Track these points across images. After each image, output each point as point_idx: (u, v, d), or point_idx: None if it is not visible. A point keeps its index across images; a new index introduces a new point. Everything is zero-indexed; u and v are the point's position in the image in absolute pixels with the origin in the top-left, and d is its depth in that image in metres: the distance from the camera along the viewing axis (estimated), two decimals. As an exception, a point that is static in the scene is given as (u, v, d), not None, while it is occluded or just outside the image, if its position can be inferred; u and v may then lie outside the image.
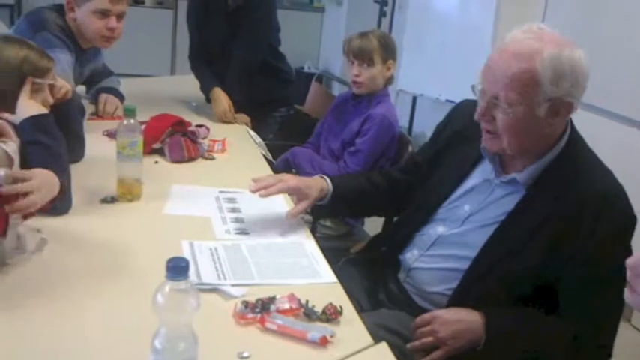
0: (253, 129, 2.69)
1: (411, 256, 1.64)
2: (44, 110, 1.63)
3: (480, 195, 1.58)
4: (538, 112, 1.40)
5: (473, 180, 1.61)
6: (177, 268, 0.93)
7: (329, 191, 1.77)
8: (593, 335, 1.41)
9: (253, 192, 1.67)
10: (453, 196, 1.62)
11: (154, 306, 0.94)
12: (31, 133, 1.56)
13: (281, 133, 2.88)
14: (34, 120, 1.59)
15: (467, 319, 1.43)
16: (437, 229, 1.62)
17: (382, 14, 5.19)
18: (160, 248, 1.49)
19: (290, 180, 1.73)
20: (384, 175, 1.90)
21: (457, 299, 1.51)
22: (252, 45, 2.75)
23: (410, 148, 2.34)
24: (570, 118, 1.49)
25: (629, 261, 1.11)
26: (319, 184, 1.76)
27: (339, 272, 1.52)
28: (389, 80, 2.43)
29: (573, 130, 1.50)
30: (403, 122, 4.08)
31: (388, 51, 2.38)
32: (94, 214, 1.65)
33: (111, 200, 1.73)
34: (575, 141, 1.49)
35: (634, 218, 1.43)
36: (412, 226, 1.67)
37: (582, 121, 1.53)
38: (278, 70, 2.95)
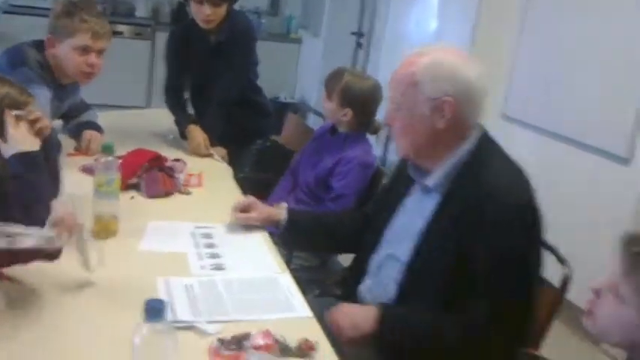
0: (230, 162, 2.71)
1: (364, 287, 1.70)
2: (36, 147, 1.62)
3: (413, 207, 1.66)
4: (423, 110, 1.53)
5: (410, 197, 1.69)
6: (155, 310, 0.96)
7: (282, 220, 1.89)
8: (485, 325, 1.45)
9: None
10: (395, 217, 1.70)
11: (132, 348, 0.95)
12: (19, 167, 1.56)
13: (257, 165, 2.91)
14: (25, 156, 1.58)
15: (362, 312, 1.54)
16: (380, 254, 1.69)
17: (358, 45, 5.29)
18: (137, 286, 1.50)
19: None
20: (356, 212, 1.96)
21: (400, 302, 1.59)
22: (233, 80, 2.79)
23: (384, 181, 2.38)
24: (482, 126, 1.59)
25: (591, 283, 1.16)
26: (274, 211, 1.92)
27: (314, 303, 1.55)
28: (365, 126, 2.43)
29: (484, 135, 1.58)
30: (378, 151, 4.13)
31: (344, 98, 2.37)
32: (69, 251, 1.65)
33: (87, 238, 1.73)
34: (484, 145, 1.57)
35: (522, 209, 1.47)
36: (365, 256, 1.74)
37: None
38: (256, 104, 2.98)
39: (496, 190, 1.47)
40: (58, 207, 1.48)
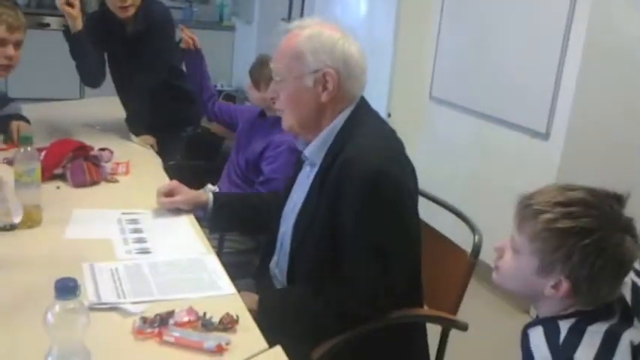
0: (160, 150, 2.72)
1: (272, 263, 1.77)
2: None
3: (300, 181, 1.73)
4: (306, 83, 1.58)
5: (302, 171, 1.75)
6: (65, 288, 0.98)
7: (208, 203, 1.92)
8: (344, 295, 1.52)
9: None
10: (292, 193, 1.76)
11: (45, 325, 0.98)
12: None
13: (188, 153, 2.93)
14: None
15: (245, 299, 1.53)
16: (281, 229, 1.75)
17: (290, 32, 5.32)
18: (61, 272, 1.50)
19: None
20: (275, 193, 2.00)
21: (289, 278, 1.67)
22: (155, 67, 2.78)
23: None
24: (363, 97, 1.65)
25: (495, 244, 1.27)
26: (198, 194, 1.95)
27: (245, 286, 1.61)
28: None
29: (359, 107, 1.64)
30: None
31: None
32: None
33: (10, 227, 1.73)
34: (357, 115, 1.63)
35: (379, 173, 1.49)
36: (274, 233, 1.80)
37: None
38: (181, 90, 2.98)
39: (353, 159, 1.52)
40: None
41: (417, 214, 1.62)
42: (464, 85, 3.66)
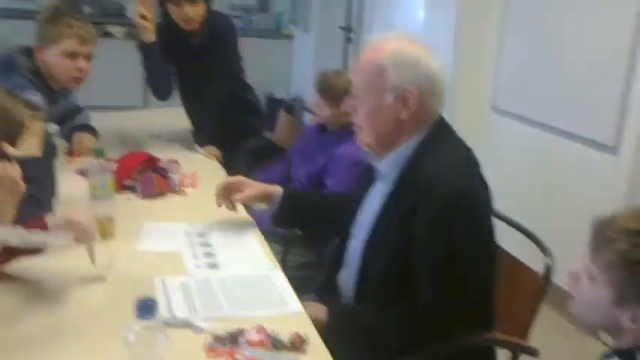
0: (224, 161, 2.76)
1: (340, 276, 1.76)
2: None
3: (372, 196, 1.70)
4: (386, 99, 1.55)
5: (374, 186, 1.73)
6: (145, 308, 1.00)
7: (278, 194, 1.91)
8: (417, 318, 1.51)
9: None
10: (362, 207, 1.74)
11: (126, 345, 1.00)
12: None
13: (252, 163, 2.95)
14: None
15: (312, 312, 1.55)
16: (352, 244, 1.73)
17: (348, 40, 5.32)
18: (134, 286, 1.55)
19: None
20: (342, 194, 2.01)
21: (358, 293, 1.66)
22: (222, 80, 2.81)
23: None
24: (441, 115, 1.62)
25: (569, 269, 1.23)
26: (266, 185, 1.94)
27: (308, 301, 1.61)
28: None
29: (438, 125, 1.61)
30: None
31: (327, 97, 2.46)
32: (68, 254, 1.70)
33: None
34: (435, 132, 1.60)
35: (457, 199, 1.47)
36: (341, 246, 1.79)
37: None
38: (246, 102, 3.02)
39: (433, 179, 1.49)
40: (77, 210, 1.52)
41: (494, 237, 1.58)
42: (527, 95, 3.58)
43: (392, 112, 1.56)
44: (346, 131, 2.46)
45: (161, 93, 2.83)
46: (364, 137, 1.64)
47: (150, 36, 2.61)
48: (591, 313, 1.21)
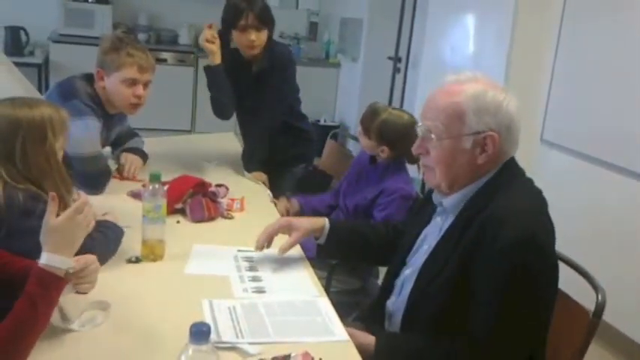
0: (270, 186, 2.79)
1: (390, 303, 1.75)
2: None
3: (432, 228, 1.69)
4: (464, 144, 1.52)
5: (433, 219, 1.72)
6: (200, 333, 1.03)
7: (325, 228, 1.91)
8: (469, 352, 1.48)
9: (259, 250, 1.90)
10: (419, 239, 1.73)
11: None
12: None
13: (298, 189, 2.97)
14: None
15: (360, 339, 1.56)
16: (405, 272, 1.72)
17: (396, 70, 5.35)
18: (183, 308, 1.58)
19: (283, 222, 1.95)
20: (387, 224, 2.01)
21: (407, 321, 1.64)
22: (276, 107, 2.86)
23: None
24: (513, 157, 1.59)
25: None
26: (314, 219, 1.94)
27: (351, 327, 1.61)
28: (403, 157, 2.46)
29: (509, 164, 1.58)
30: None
31: (382, 136, 2.42)
32: (119, 274, 1.75)
33: (135, 260, 1.83)
34: (505, 173, 1.57)
35: (527, 240, 1.44)
36: (392, 274, 1.78)
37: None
38: (300, 131, 3.05)
39: (501, 220, 1.46)
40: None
41: (557, 283, 1.55)
42: (578, 127, 3.52)
43: (468, 157, 1.53)
44: (395, 164, 2.48)
45: (224, 113, 2.89)
46: (435, 179, 1.60)
47: (217, 58, 2.70)
48: None
